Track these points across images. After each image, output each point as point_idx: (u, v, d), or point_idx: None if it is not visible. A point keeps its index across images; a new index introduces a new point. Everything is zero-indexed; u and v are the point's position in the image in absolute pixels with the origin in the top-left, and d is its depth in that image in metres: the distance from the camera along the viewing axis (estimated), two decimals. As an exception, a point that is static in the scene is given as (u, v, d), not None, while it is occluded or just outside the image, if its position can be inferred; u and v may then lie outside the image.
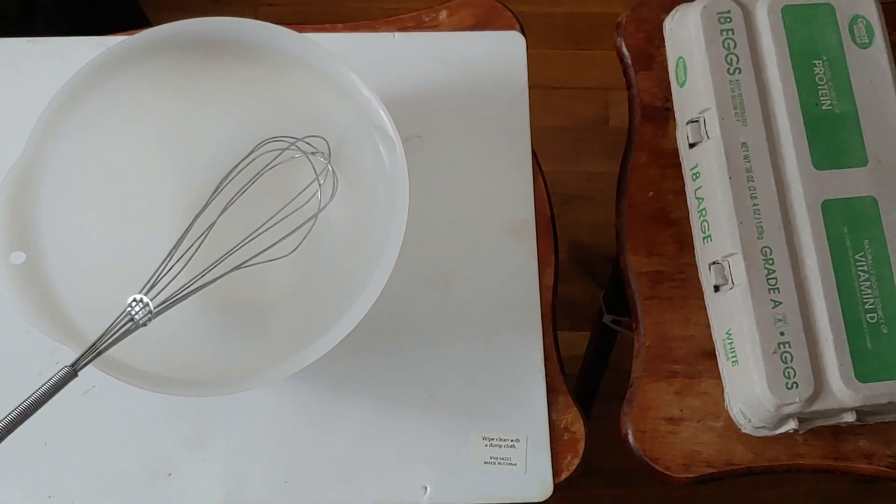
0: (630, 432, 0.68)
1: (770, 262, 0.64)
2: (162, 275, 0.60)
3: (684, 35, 0.70)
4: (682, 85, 0.71)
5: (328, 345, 0.57)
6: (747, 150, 0.66)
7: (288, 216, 0.65)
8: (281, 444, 0.67)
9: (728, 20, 0.69)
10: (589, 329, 1.17)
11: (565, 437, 0.67)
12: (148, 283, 0.59)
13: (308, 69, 0.64)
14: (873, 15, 0.70)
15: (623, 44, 0.75)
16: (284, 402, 0.67)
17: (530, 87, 0.75)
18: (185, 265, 0.61)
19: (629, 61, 0.75)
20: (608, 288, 0.99)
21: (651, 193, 0.72)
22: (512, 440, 0.66)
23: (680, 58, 0.71)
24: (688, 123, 0.69)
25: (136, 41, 0.62)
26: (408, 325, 0.69)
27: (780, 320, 0.63)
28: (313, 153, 0.68)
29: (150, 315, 0.58)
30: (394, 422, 0.67)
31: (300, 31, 0.73)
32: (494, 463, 0.66)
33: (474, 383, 0.68)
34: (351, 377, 0.68)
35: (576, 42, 1.49)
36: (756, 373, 0.62)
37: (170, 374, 0.59)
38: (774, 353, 0.62)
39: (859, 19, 0.70)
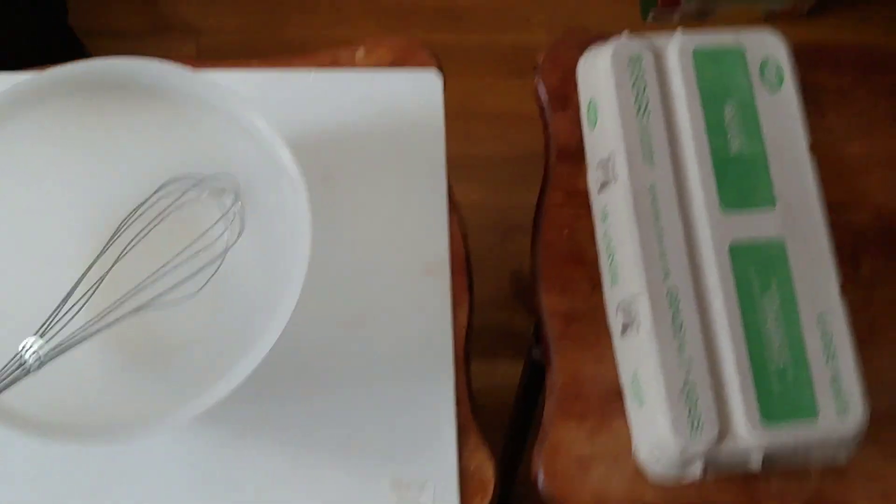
0: (541, 473, 0.67)
1: (676, 304, 0.64)
2: (58, 318, 0.59)
3: (595, 78, 0.71)
4: (592, 127, 0.72)
5: (219, 394, 0.57)
6: (655, 193, 0.67)
7: (194, 256, 0.65)
8: (186, 493, 0.65)
9: (639, 63, 0.70)
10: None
11: (476, 479, 0.67)
12: (43, 326, 0.58)
13: (212, 109, 0.64)
14: (783, 58, 0.71)
15: (541, 84, 0.76)
16: (190, 450, 0.66)
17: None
18: (81, 308, 0.60)
19: (546, 101, 0.75)
20: (537, 322, 0.99)
21: (566, 232, 0.72)
22: (421, 482, 0.66)
23: (591, 100, 0.72)
24: (597, 166, 0.70)
25: (33, 83, 0.61)
26: (320, 368, 0.69)
27: (685, 362, 0.63)
28: (222, 191, 0.68)
29: (41, 360, 0.57)
30: (302, 467, 0.66)
31: (222, 66, 0.73)
32: (403, 506, 0.66)
33: (385, 425, 0.68)
34: (259, 422, 0.67)
35: (520, 72, 1.49)
36: (661, 414, 0.62)
37: (66, 419, 0.58)
38: (679, 394, 0.63)
39: (769, 63, 0.71)
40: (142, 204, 0.65)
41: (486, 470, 0.67)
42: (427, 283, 0.71)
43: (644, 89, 0.69)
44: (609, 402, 0.69)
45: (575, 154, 0.74)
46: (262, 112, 0.62)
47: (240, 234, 0.67)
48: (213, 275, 0.65)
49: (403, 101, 0.74)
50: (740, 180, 0.68)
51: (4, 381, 0.55)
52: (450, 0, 1.55)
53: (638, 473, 0.67)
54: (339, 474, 0.67)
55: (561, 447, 0.68)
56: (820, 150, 0.69)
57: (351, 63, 0.75)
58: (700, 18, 1.52)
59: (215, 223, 0.66)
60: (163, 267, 0.63)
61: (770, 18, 1.52)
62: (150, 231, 0.65)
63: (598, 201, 0.70)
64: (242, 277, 0.69)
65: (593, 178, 0.71)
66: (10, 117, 0.61)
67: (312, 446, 0.67)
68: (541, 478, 0.67)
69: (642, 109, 0.69)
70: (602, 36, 0.76)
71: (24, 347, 0.57)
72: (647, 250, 0.65)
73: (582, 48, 0.76)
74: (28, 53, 1.14)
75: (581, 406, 0.69)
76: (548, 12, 1.54)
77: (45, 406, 0.58)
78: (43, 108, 0.62)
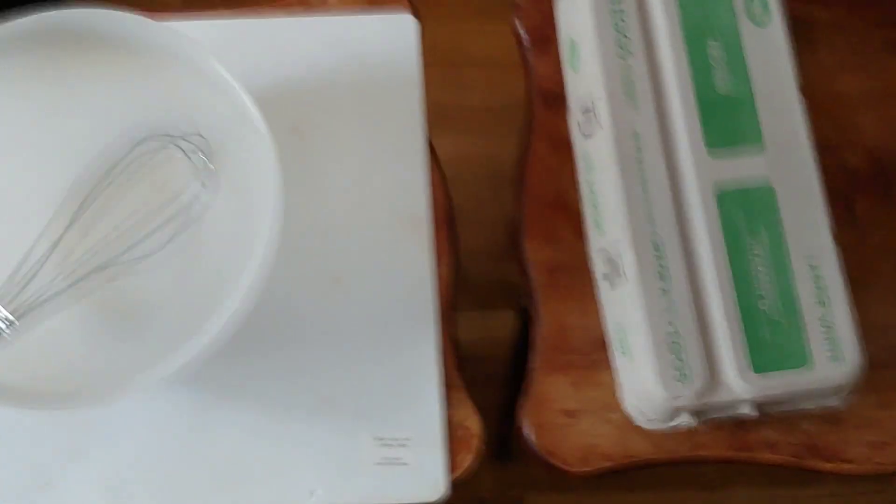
0: (526, 426, 0.66)
1: (661, 252, 0.62)
2: (18, 280, 0.58)
3: (575, 16, 0.68)
4: (575, 70, 0.69)
5: (187, 355, 0.55)
6: (639, 139, 0.64)
7: (164, 215, 0.63)
8: (164, 451, 0.65)
9: (620, 0, 0.67)
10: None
11: (459, 434, 0.66)
12: (8, 289, 0.57)
13: (179, 61, 0.61)
14: (772, -9, 0.68)
15: (520, 25, 0.73)
16: (167, 409, 0.65)
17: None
18: (41, 268, 0.58)
19: (527, 43, 0.73)
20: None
21: (550, 179, 0.70)
22: (404, 439, 0.65)
23: (572, 40, 0.69)
24: (580, 110, 0.67)
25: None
26: (297, 326, 0.67)
27: (670, 311, 0.62)
28: (193, 152, 0.65)
29: (12, 325, 0.56)
30: (281, 426, 0.65)
31: (184, 14, 0.70)
32: (386, 463, 0.65)
33: (367, 383, 0.66)
34: (236, 381, 0.66)
35: (505, 15, 1.45)
36: (646, 366, 0.61)
37: (40, 386, 0.57)
38: (665, 344, 0.61)
39: (757, -4, 0.68)
40: (114, 166, 0.63)
41: (472, 424, 0.66)
42: (407, 237, 0.69)
43: (626, 29, 0.66)
44: (595, 353, 0.67)
45: (558, 99, 0.72)
46: (227, 62, 0.59)
47: (214, 195, 0.65)
48: (178, 231, 0.63)
49: (378, 46, 0.71)
50: (726, 121, 0.65)
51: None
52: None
53: (626, 424, 0.66)
54: (322, 432, 0.65)
55: (547, 400, 0.67)
56: (811, 87, 0.67)
57: (323, 8, 0.73)
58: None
59: (189, 185, 0.64)
60: (131, 225, 0.61)
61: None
62: (118, 191, 0.63)
63: (580, 148, 0.68)
64: (214, 236, 0.67)
65: (575, 123, 0.68)
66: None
67: (294, 405, 0.66)
68: (527, 431, 0.66)
69: (624, 50, 0.66)
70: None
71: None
72: (631, 198, 0.63)
73: (564, -13, 0.73)
74: None
75: (566, 358, 0.67)
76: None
77: (23, 374, 0.57)
78: (2, 61, 0.60)
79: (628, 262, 0.62)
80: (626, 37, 0.66)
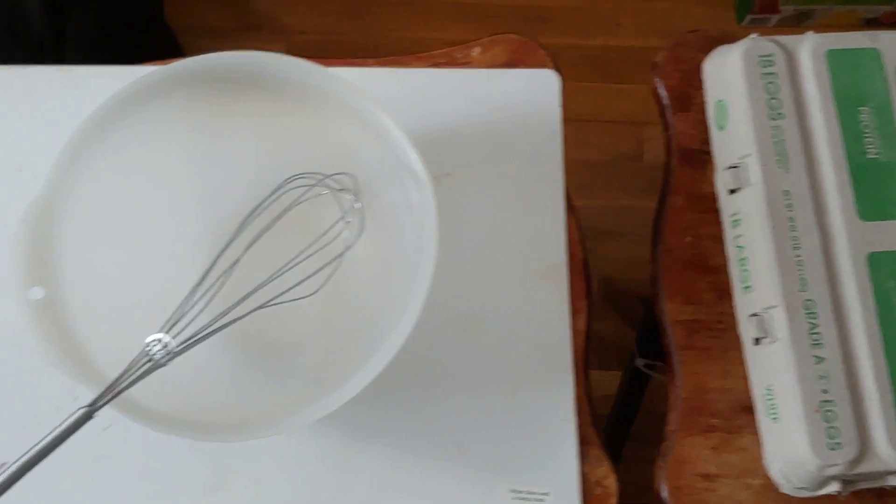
0: (664, 488, 0.65)
1: (813, 315, 0.61)
2: (184, 313, 0.58)
3: (725, 78, 0.68)
4: (721, 129, 0.69)
5: (350, 393, 0.55)
6: (790, 199, 0.64)
7: (313, 255, 0.64)
8: (298, 491, 0.64)
9: (770, 63, 0.67)
10: (619, 368, 1.15)
11: (597, 492, 0.65)
12: (169, 321, 0.58)
13: (336, 105, 0.62)
14: (922, 59, 0.68)
15: (660, 84, 0.73)
16: (304, 449, 0.65)
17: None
18: (208, 304, 0.59)
19: (666, 102, 0.73)
20: (641, 331, 0.97)
21: (688, 239, 0.70)
22: (541, 494, 0.64)
23: (720, 101, 0.69)
24: (727, 169, 0.67)
25: (159, 74, 0.60)
26: (432, 371, 0.67)
27: (823, 377, 0.60)
28: (340, 190, 0.66)
29: (169, 355, 0.56)
30: (415, 472, 0.65)
31: (329, 64, 0.71)
32: (521, 517, 0.64)
33: (501, 433, 0.66)
34: (372, 424, 0.66)
35: (610, 75, 1.47)
36: (798, 431, 0.60)
37: (188, 415, 0.57)
38: (817, 411, 0.60)
39: (907, 64, 0.68)
40: (264, 200, 0.64)
41: (610, 483, 0.65)
42: (544, 288, 0.69)
43: (776, 91, 0.66)
44: (736, 416, 0.66)
45: (697, 157, 0.72)
46: (387, 110, 0.60)
47: (360, 234, 0.65)
48: (332, 274, 0.64)
49: (520, 100, 0.72)
50: (878, 188, 0.65)
51: (133, 376, 0.54)
52: (535, 1, 1.53)
53: (766, 490, 0.64)
54: (454, 481, 0.65)
55: (685, 462, 0.65)
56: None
57: (467, 63, 0.74)
58: (797, 23, 1.48)
59: (336, 222, 0.65)
60: (286, 265, 0.62)
61: (869, 24, 1.47)
62: (270, 228, 0.64)
63: (727, 206, 0.68)
64: (358, 276, 0.67)
65: (722, 181, 0.68)
66: (135, 108, 0.61)
67: (425, 451, 0.66)
68: (664, 493, 0.65)
69: (775, 112, 0.66)
70: (724, 37, 0.73)
71: (152, 342, 0.56)
72: (782, 259, 0.62)
73: (703, 49, 0.73)
74: (126, 48, 1.15)
75: (706, 421, 0.66)
76: (637, 15, 1.51)
77: (170, 401, 0.57)
78: (167, 99, 0.62)
79: (780, 323, 0.61)
80: (776, 99, 0.66)
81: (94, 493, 0.65)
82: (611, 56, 1.49)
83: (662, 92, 0.73)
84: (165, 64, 0.62)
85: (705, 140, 0.72)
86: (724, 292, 0.68)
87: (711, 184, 0.71)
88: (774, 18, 1.47)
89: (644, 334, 0.96)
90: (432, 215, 0.58)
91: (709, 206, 0.70)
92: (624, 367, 1.09)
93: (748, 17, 1.47)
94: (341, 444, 0.66)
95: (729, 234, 0.67)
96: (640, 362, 0.93)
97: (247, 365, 0.67)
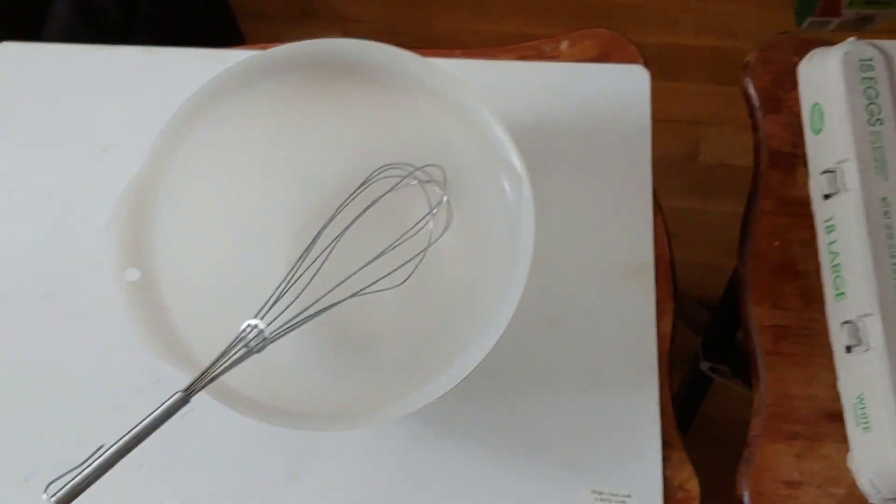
0: (746, 495, 0.64)
1: (910, 325, 0.60)
2: (277, 300, 0.58)
3: (822, 81, 0.67)
4: (816, 133, 0.68)
5: (445, 387, 0.55)
6: (888, 206, 0.63)
7: (399, 245, 0.63)
8: (377, 484, 0.64)
9: (870, 68, 0.66)
10: (678, 371, 1.14)
11: (679, 496, 0.64)
12: (263, 307, 0.57)
13: (432, 96, 0.62)
14: None
15: (751, 85, 0.72)
16: (384, 441, 0.65)
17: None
18: (303, 290, 0.59)
19: (756, 103, 0.72)
20: (706, 334, 0.96)
21: (777, 243, 0.69)
22: (624, 496, 0.63)
23: (816, 104, 0.68)
24: (823, 173, 0.66)
25: (261, 59, 0.60)
26: (514, 368, 0.67)
27: (919, 388, 0.59)
28: (428, 182, 0.66)
29: (264, 341, 0.56)
30: (495, 470, 0.64)
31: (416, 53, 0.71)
32: (602, 518, 0.63)
33: (583, 433, 0.65)
34: (452, 419, 0.65)
35: (666, 74, 1.45)
36: (890, 442, 0.59)
37: (277, 403, 0.57)
38: (912, 422, 0.59)
39: None
40: (356, 190, 0.64)
41: (692, 487, 0.64)
42: (629, 288, 0.68)
43: (876, 96, 0.65)
44: (820, 424, 0.65)
45: (788, 159, 0.71)
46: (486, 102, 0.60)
47: (447, 227, 0.65)
48: (417, 265, 0.63)
49: (609, 96, 0.71)
50: (977, 197, 0.64)
51: (229, 361, 0.54)
52: (595, -3, 1.52)
53: (848, 499, 0.63)
54: (535, 480, 0.64)
55: (768, 469, 0.64)
56: None
57: (555, 56, 0.73)
58: (858, 27, 1.46)
59: (426, 216, 0.64)
60: (379, 255, 0.61)
61: (931, 29, 1.46)
62: (359, 218, 0.64)
63: (821, 211, 0.67)
64: (441, 269, 0.67)
65: (817, 186, 0.67)
66: (232, 93, 0.60)
67: (505, 449, 0.65)
68: (747, 499, 0.64)
69: (874, 117, 0.65)
70: (816, 40, 0.72)
71: (247, 328, 0.56)
72: (879, 267, 0.61)
73: (796, 51, 0.72)
74: (191, 32, 1.15)
75: (790, 427, 0.65)
76: (695, 14, 1.50)
77: (258, 388, 0.57)
78: (263, 85, 0.61)
79: (875, 331, 0.60)
80: (875, 104, 0.65)
81: (173, 479, 0.65)
82: (668, 54, 1.47)
83: (752, 93, 0.72)
84: (252, 49, 0.62)
85: (796, 143, 0.71)
86: (811, 298, 0.67)
87: (801, 187, 0.70)
88: (835, 22, 1.45)
89: (709, 337, 0.95)
90: (530, 211, 0.58)
91: (798, 210, 0.69)
92: (686, 369, 1.08)
93: (808, 20, 1.46)
94: (422, 438, 0.65)
95: (822, 239, 0.66)
96: (704, 365, 0.92)
97: (328, 354, 0.66)
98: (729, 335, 0.89)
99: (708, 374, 0.93)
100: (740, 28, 1.45)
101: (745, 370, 0.86)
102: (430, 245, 0.64)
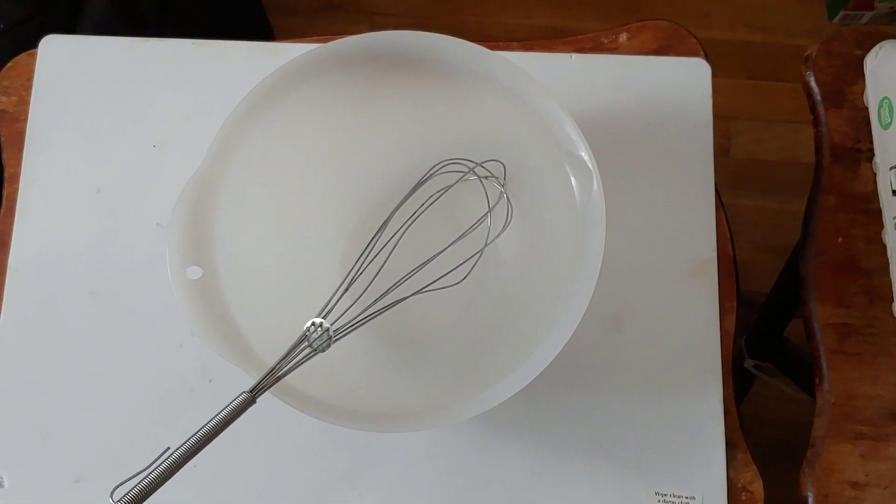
0: (811, 496, 0.63)
1: None
2: (339, 298, 0.57)
3: (892, 74, 0.66)
4: (885, 127, 0.66)
5: (512, 390, 0.53)
6: (961, 202, 0.62)
7: (456, 242, 0.62)
8: (437, 486, 0.63)
9: (941, 61, 0.64)
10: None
11: (743, 497, 0.63)
12: (326, 306, 0.56)
13: (494, 90, 0.60)
14: None
15: (812, 79, 0.71)
16: (445, 443, 0.64)
17: None
18: (366, 289, 0.58)
19: (818, 97, 0.70)
20: (750, 331, 0.94)
21: (840, 240, 0.67)
22: (687, 498, 0.62)
23: (885, 98, 0.66)
24: (892, 168, 0.64)
25: (323, 52, 0.58)
26: (576, 368, 0.65)
27: None
28: (487, 177, 0.64)
29: (328, 341, 0.55)
30: (557, 472, 0.63)
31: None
32: (667, 520, 0.62)
33: (646, 434, 0.64)
34: (514, 421, 0.64)
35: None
36: (965, 445, 0.58)
37: (341, 403, 0.55)
38: None
39: None
40: (416, 185, 0.62)
41: (756, 489, 0.63)
42: (692, 286, 0.66)
43: (946, 90, 0.64)
44: (886, 424, 0.64)
45: (850, 155, 0.69)
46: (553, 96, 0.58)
47: (507, 224, 0.64)
48: (475, 264, 0.62)
49: (669, 89, 0.70)
50: None
51: (294, 361, 0.53)
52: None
53: (917, 504, 0.63)
54: (597, 482, 0.63)
55: (833, 470, 0.63)
56: None
57: (613, 49, 0.72)
58: (891, 21, 1.44)
59: (486, 214, 0.63)
60: (439, 252, 0.60)
61: (965, 23, 1.44)
62: (419, 216, 0.63)
63: (890, 207, 0.65)
64: (502, 268, 0.65)
65: (885, 181, 0.66)
66: (291, 88, 0.59)
67: (567, 451, 0.64)
68: (811, 501, 0.63)
69: (944, 111, 0.63)
70: (880, 33, 0.71)
71: (310, 327, 0.54)
72: (952, 265, 0.60)
73: (859, 44, 0.71)
74: (223, 25, 1.14)
75: (855, 428, 0.64)
76: (726, 8, 1.48)
77: (319, 388, 0.56)
78: (322, 79, 0.60)
79: (950, 332, 0.59)
80: (946, 98, 0.64)
81: (229, 479, 0.64)
82: (700, 48, 1.46)
83: (814, 87, 0.71)
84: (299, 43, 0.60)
85: (859, 138, 0.69)
86: (876, 296, 0.66)
87: (865, 183, 0.68)
88: (868, 15, 1.43)
89: (753, 335, 0.94)
90: (601, 207, 0.56)
91: (862, 207, 0.68)
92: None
93: (841, 14, 1.44)
94: (483, 440, 0.64)
95: (891, 236, 0.65)
96: (749, 363, 0.91)
97: (383, 354, 0.65)
98: (776, 332, 0.88)
99: (752, 372, 0.91)
100: (772, 22, 1.44)
101: (792, 368, 0.85)
102: (487, 243, 0.63)
